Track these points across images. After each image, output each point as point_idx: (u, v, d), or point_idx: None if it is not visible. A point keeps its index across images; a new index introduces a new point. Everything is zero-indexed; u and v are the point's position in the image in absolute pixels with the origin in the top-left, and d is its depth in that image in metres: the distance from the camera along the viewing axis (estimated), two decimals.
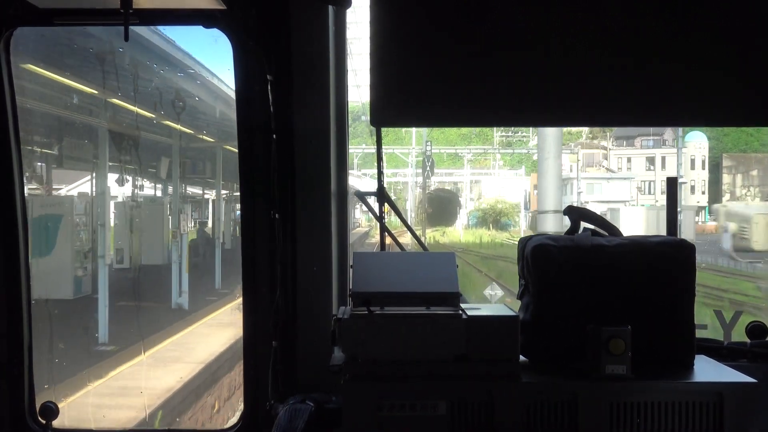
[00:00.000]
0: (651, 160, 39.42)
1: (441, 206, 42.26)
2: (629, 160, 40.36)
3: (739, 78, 3.12)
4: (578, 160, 38.56)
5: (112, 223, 20.14)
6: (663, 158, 39.02)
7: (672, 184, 3.64)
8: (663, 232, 3.41)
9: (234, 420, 4.04)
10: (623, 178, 38.63)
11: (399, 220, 4.38)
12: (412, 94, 3.14)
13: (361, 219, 33.92)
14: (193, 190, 33.50)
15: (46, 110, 17.51)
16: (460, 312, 2.93)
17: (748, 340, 3.90)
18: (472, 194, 43.62)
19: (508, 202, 41.55)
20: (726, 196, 34.98)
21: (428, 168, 37.59)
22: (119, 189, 20.91)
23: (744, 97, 3.15)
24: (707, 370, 3.08)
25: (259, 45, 3.75)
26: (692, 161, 37.81)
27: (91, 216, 19.12)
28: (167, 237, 21.53)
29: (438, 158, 41.80)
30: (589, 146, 41.07)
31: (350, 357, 2.90)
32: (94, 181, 21.15)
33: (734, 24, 3.09)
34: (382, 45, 3.08)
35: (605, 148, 40.95)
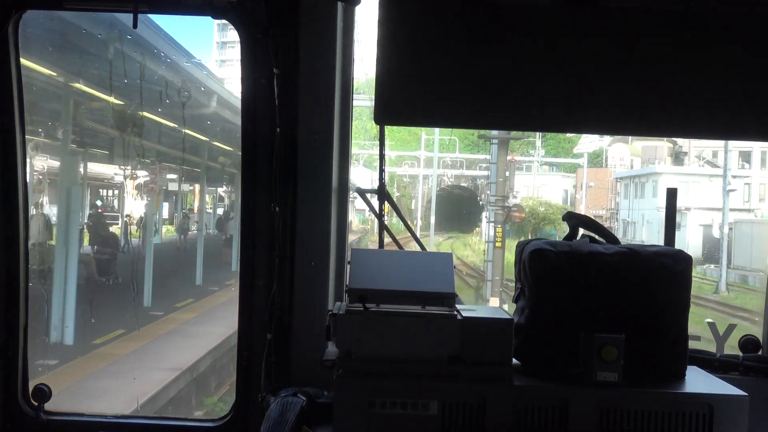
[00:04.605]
0: (745, 156, 29.44)
1: (456, 207, 36.67)
2: (714, 154, 30.75)
3: (750, 91, 3.13)
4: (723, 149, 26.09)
5: None
6: (764, 153, 29.31)
7: (671, 195, 3.66)
8: None
9: (225, 411, 4.05)
10: (732, 177, 27.80)
11: (411, 223, 4.32)
12: (417, 94, 3.15)
13: (352, 219, 27.90)
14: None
15: None
16: (455, 313, 2.94)
17: (740, 354, 3.92)
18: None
19: (554, 204, 33.70)
20: None
21: None
22: None
23: (754, 111, 3.15)
24: (698, 382, 3.09)
25: (267, 38, 3.76)
26: None
27: None
28: None
29: (452, 143, 34.90)
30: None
31: (344, 352, 2.91)
32: None
33: (746, 37, 3.10)
34: (389, 44, 3.09)
35: (673, 141, 31.76)
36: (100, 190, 31.32)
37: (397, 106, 3.14)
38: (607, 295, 3.08)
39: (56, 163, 18.09)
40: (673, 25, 3.05)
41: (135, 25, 3.72)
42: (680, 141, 30.97)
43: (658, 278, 3.09)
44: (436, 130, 31.95)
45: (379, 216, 3.99)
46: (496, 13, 3.06)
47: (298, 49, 3.82)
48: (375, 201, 3.98)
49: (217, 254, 26.86)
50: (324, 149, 3.90)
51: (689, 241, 27.29)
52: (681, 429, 2.87)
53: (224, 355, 17.06)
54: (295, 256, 3.88)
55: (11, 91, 3.93)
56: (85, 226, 20.81)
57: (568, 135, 36.01)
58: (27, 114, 4.01)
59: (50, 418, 3.97)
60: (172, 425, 4.10)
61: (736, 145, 29.21)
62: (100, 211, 26.80)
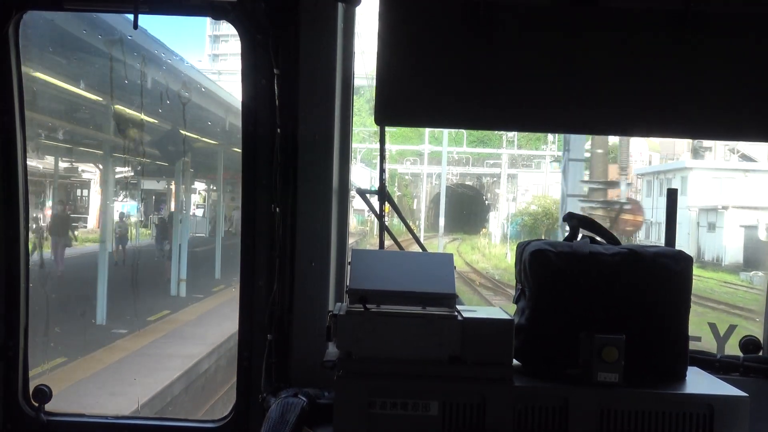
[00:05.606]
0: None
1: (460, 207, 35.33)
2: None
3: (750, 91, 3.13)
4: None
5: None
6: None
7: (672, 196, 3.66)
8: None
9: (226, 412, 4.04)
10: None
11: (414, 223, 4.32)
12: (417, 94, 3.15)
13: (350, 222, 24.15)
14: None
15: None
16: (456, 313, 2.94)
17: (741, 354, 3.92)
18: (506, 192, 33.24)
19: None
20: None
21: None
22: None
23: (754, 111, 3.15)
24: (699, 382, 3.09)
25: (267, 39, 3.76)
26: None
27: None
28: None
29: (459, 136, 32.71)
30: None
31: (344, 353, 2.91)
32: None
33: (746, 38, 3.09)
34: (389, 44, 3.09)
35: None
36: (79, 189, 27.38)
37: (398, 107, 3.14)
38: (607, 296, 3.08)
39: None
40: (673, 25, 3.05)
41: (135, 26, 3.73)
42: None
43: (658, 278, 3.09)
44: None
45: (380, 217, 3.99)
46: (496, 13, 3.06)
47: (298, 49, 3.82)
48: (375, 201, 3.98)
49: (158, 270, 20.88)
50: (324, 149, 3.89)
51: (727, 244, 24.86)
52: (681, 429, 2.87)
53: None
54: (295, 256, 3.88)
55: (11, 91, 3.94)
56: None
57: None
58: None
59: (50, 418, 3.97)
60: (172, 426, 4.09)
61: None
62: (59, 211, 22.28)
